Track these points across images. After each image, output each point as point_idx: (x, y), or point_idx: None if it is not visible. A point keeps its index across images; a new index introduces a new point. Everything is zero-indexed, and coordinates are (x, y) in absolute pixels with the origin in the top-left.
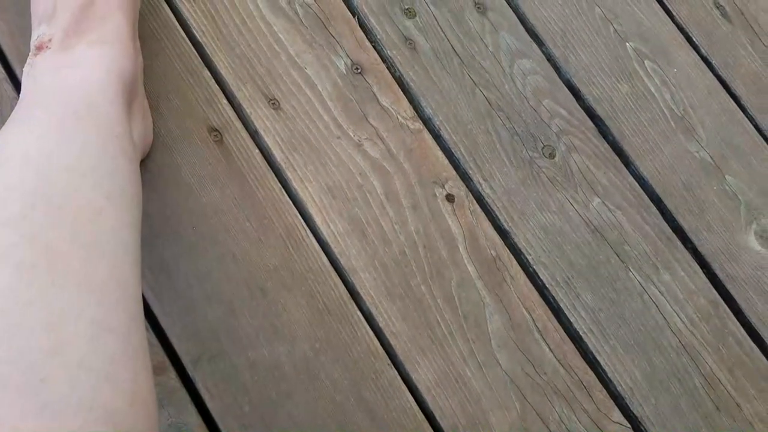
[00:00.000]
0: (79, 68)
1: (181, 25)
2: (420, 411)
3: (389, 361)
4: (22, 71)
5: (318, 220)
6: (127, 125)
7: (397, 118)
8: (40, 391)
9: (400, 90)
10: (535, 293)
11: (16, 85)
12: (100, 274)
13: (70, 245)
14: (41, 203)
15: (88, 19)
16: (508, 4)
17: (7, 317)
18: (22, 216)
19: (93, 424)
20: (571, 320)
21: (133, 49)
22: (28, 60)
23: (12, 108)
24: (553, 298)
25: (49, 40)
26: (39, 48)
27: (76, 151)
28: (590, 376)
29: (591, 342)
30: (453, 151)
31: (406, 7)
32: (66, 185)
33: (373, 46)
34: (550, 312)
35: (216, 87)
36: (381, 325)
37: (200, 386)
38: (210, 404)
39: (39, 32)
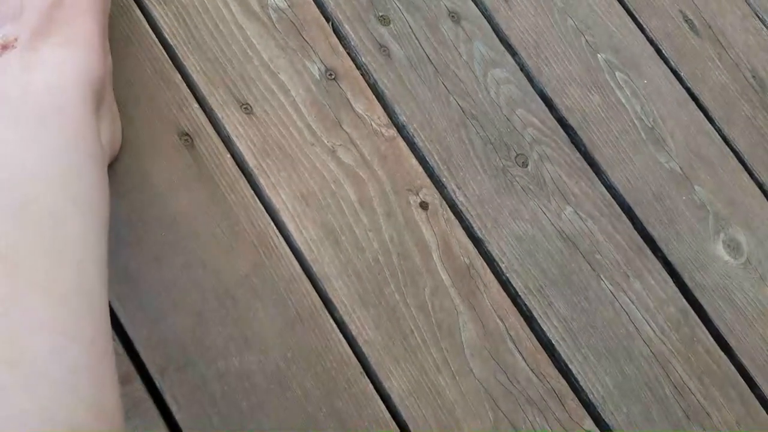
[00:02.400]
0: (46, 70)
1: (152, 27)
2: (393, 421)
3: (362, 370)
4: None
5: (291, 227)
6: (95, 129)
7: (371, 124)
8: None
9: (374, 96)
10: (508, 301)
11: None
12: (65, 282)
13: (32, 253)
14: (5, 208)
15: (55, 21)
16: (482, 14)
17: None
18: None
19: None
20: (544, 329)
21: (101, 51)
22: None
23: None
24: (526, 306)
25: (15, 40)
26: (3, 47)
27: (41, 156)
28: (562, 385)
29: (563, 350)
30: (427, 158)
31: (381, 14)
32: (29, 191)
33: (348, 53)
34: (522, 320)
35: (187, 91)
36: (354, 333)
37: (168, 397)
38: (178, 416)
39: (3, 31)
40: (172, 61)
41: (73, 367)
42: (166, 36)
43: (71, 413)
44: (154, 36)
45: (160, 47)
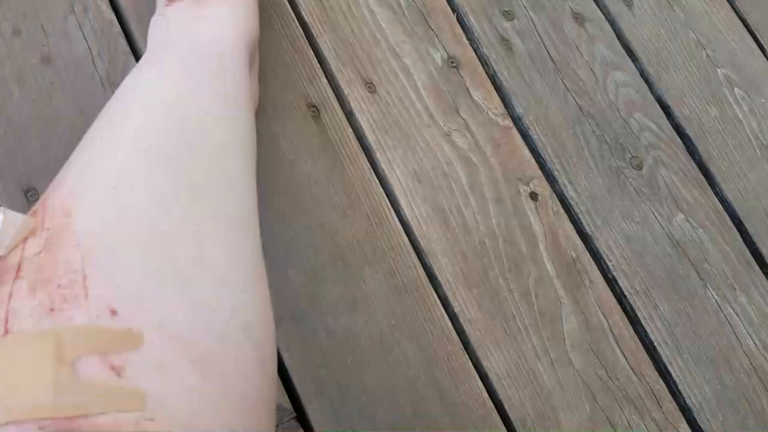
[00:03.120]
0: (210, 23)
1: (291, 5)
2: (489, 399)
3: (462, 346)
4: (135, 28)
5: (402, 202)
6: (248, 82)
7: (488, 113)
8: (190, 292)
9: (492, 87)
10: (613, 299)
11: (130, 40)
12: (232, 208)
13: (206, 178)
14: (180, 137)
15: None
16: (606, 17)
17: (159, 227)
18: (162, 145)
19: (233, 331)
20: (647, 330)
21: (256, 13)
22: (159, 10)
23: (125, 62)
24: (631, 306)
25: None
26: (171, 0)
27: (207, 98)
28: (661, 387)
29: (665, 353)
30: (540, 151)
31: (506, 9)
32: (199, 127)
33: (470, 43)
34: (626, 319)
35: (318, 66)
36: (456, 310)
37: (281, 345)
38: (288, 362)
39: None
40: (306, 38)
41: (245, 276)
42: (304, 14)
43: (245, 315)
44: (292, 13)
45: (297, 24)
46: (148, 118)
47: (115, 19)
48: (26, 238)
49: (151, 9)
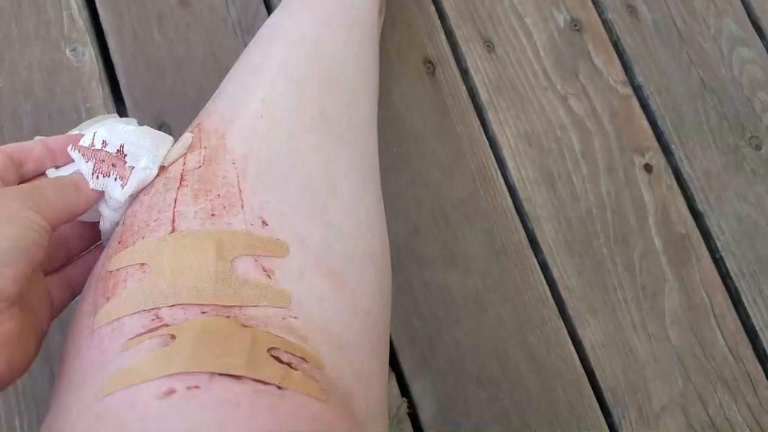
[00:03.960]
0: None
1: None
2: (581, 366)
3: (558, 313)
4: None
5: (510, 164)
6: (377, 32)
7: (608, 79)
8: (324, 214)
9: (615, 53)
10: (718, 279)
11: (269, 8)
12: (360, 144)
13: (339, 114)
14: (316, 75)
15: None
16: None
17: (296, 156)
18: (303, 79)
19: (360, 255)
20: (750, 314)
21: None
22: None
23: (256, 9)
24: (736, 288)
25: None
26: None
27: (342, 43)
28: (759, 371)
29: (765, 338)
30: (659, 122)
31: None
32: (334, 65)
33: (595, 7)
34: (729, 301)
35: (438, 22)
36: (555, 276)
37: None
38: None
39: None
40: None
41: (369, 209)
42: None
43: (369, 244)
44: None
45: None
46: (290, 55)
47: None
48: (186, 154)
49: None
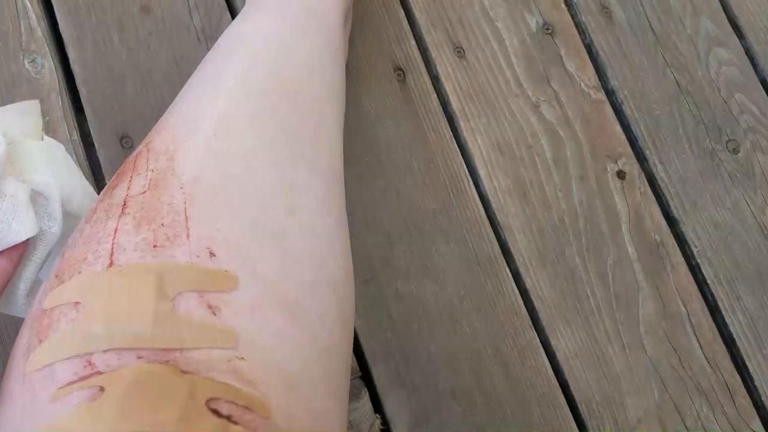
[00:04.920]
0: None
1: None
2: (555, 377)
3: (530, 323)
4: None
5: (482, 173)
6: (342, 40)
7: (580, 84)
8: (282, 241)
9: (588, 57)
10: (694, 287)
11: (233, 14)
12: (323, 159)
13: (301, 129)
14: (278, 87)
15: None
16: None
17: (252, 177)
18: (264, 92)
19: (320, 283)
20: (727, 321)
21: None
22: None
23: (220, 15)
24: (712, 295)
25: None
26: None
27: (307, 49)
28: (736, 380)
29: (743, 347)
30: (633, 127)
31: None
32: (297, 76)
33: (568, 9)
34: (706, 309)
35: (408, 27)
36: (528, 286)
37: None
38: (357, 322)
39: None
40: None
41: (331, 232)
42: None
43: (329, 265)
44: None
45: None
46: (249, 67)
47: None
48: (131, 177)
49: None
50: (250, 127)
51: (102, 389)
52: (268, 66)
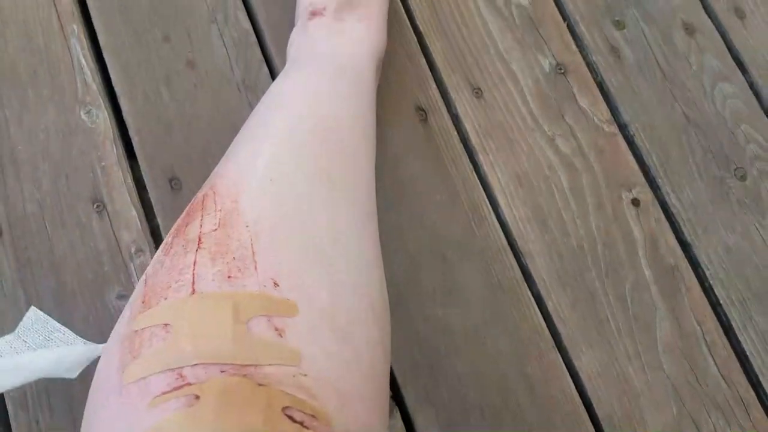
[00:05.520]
0: (349, 38)
1: (407, 13)
2: (578, 396)
3: (554, 344)
4: (268, 38)
5: (502, 203)
6: (373, 90)
7: (593, 119)
8: (329, 271)
9: (599, 94)
10: (708, 308)
11: (263, 49)
12: (360, 199)
13: (341, 173)
14: (319, 136)
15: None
16: (717, 29)
17: (303, 216)
18: (308, 143)
19: (363, 308)
20: (740, 339)
21: (385, 29)
22: (301, 22)
23: (258, 68)
24: (726, 315)
25: (324, 9)
26: (313, 14)
27: (345, 105)
28: (751, 396)
29: (756, 363)
30: (645, 158)
31: (617, 18)
32: (335, 126)
33: (579, 50)
34: (720, 328)
35: (428, 72)
36: (550, 309)
37: None
38: None
39: (311, 1)
40: (420, 45)
41: (368, 260)
42: (418, 23)
43: (369, 292)
44: (408, 21)
45: (411, 31)
46: (297, 119)
47: (251, 28)
48: (202, 216)
49: (282, 20)
50: (298, 172)
51: (197, 397)
52: (310, 119)
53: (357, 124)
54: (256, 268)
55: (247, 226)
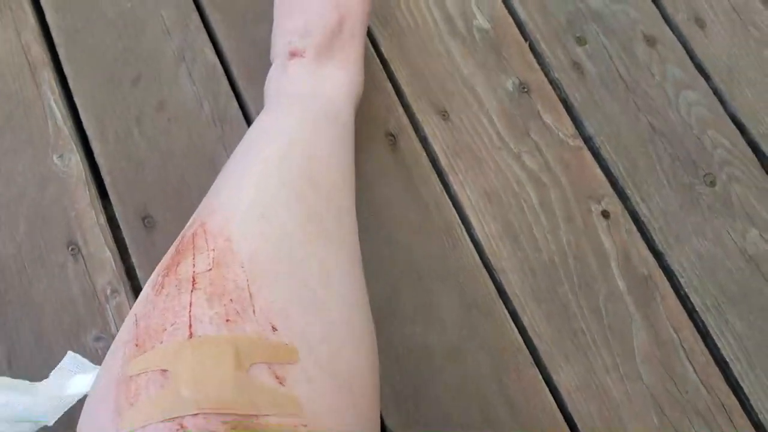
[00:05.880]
0: (330, 81)
1: (371, 42)
2: (559, 411)
3: (532, 360)
4: (236, 71)
5: (474, 221)
6: (352, 128)
7: (558, 134)
8: (322, 311)
9: (563, 109)
10: (684, 315)
11: (231, 82)
12: (345, 235)
13: (325, 211)
14: (305, 174)
15: (336, 43)
16: (678, 39)
17: (296, 254)
18: (295, 182)
19: (355, 348)
20: (719, 345)
21: (363, 71)
22: (279, 61)
23: (226, 101)
24: (702, 322)
25: (304, 51)
26: (293, 54)
27: (327, 145)
28: (732, 401)
29: (736, 368)
30: (612, 169)
31: (578, 35)
32: (319, 167)
33: (542, 69)
34: (697, 334)
35: (395, 98)
36: (525, 324)
37: None
38: None
39: (290, 41)
40: (386, 72)
41: (357, 297)
42: (383, 50)
43: (360, 330)
44: (373, 51)
45: (378, 61)
46: (282, 157)
47: (218, 63)
48: (194, 255)
49: (249, 53)
50: (286, 211)
51: None
52: (294, 158)
53: (338, 164)
54: (254, 311)
55: (242, 267)
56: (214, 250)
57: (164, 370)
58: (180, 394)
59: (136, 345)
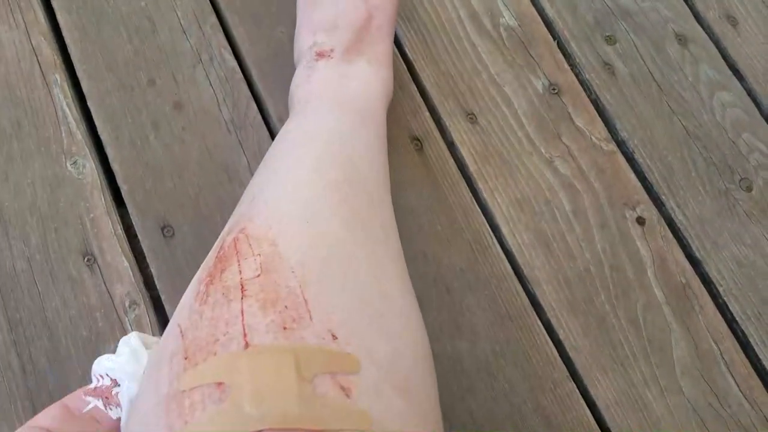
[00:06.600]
0: (360, 80)
1: (396, 42)
2: (597, 426)
3: (568, 374)
4: (255, 74)
5: (504, 230)
6: (386, 133)
7: (591, 138)
8: (381, 322)
9: (595, 111)
10: (724, 325)
11: (251, 86)
12: (392, 241)
13: (370, 214)
14: (347, 175)
15: (365, 40)
16: (710, 38)
17: (346, 260)
18: (336, 182)
19: (417, 360)
20: (760, 356)
21: (392, 69)
22: (305, 62)
23: (247, 106)
24: (743, 331)
25: (331, 50)
26: (320, 54)
27: (362, 144)
28: None
29: None
30: (646, 174)
31: (607, 34)
32: (361, 165)
33: (572, 69)
34: (738, 345)
35: (421, 100)
36: (561, 337)
37: None
38: None
39: (318, 40)
40: (410, 73)
41: (410, 307)
42: (407, 50)
43: (420, 342)
44: (396, 50)
45: (401, 60)
46: (321, 159)
47: (237, 66)
48: (238, 261)
49: (269, 56)
50: (333, 214)
51: None
52: (334, 160)
53: (379, 162)
54: (311, 317)
55: (293, 272)
56: (260, 255)
57: (220, 384)
58: (242, 409)
59: (186, 358)
